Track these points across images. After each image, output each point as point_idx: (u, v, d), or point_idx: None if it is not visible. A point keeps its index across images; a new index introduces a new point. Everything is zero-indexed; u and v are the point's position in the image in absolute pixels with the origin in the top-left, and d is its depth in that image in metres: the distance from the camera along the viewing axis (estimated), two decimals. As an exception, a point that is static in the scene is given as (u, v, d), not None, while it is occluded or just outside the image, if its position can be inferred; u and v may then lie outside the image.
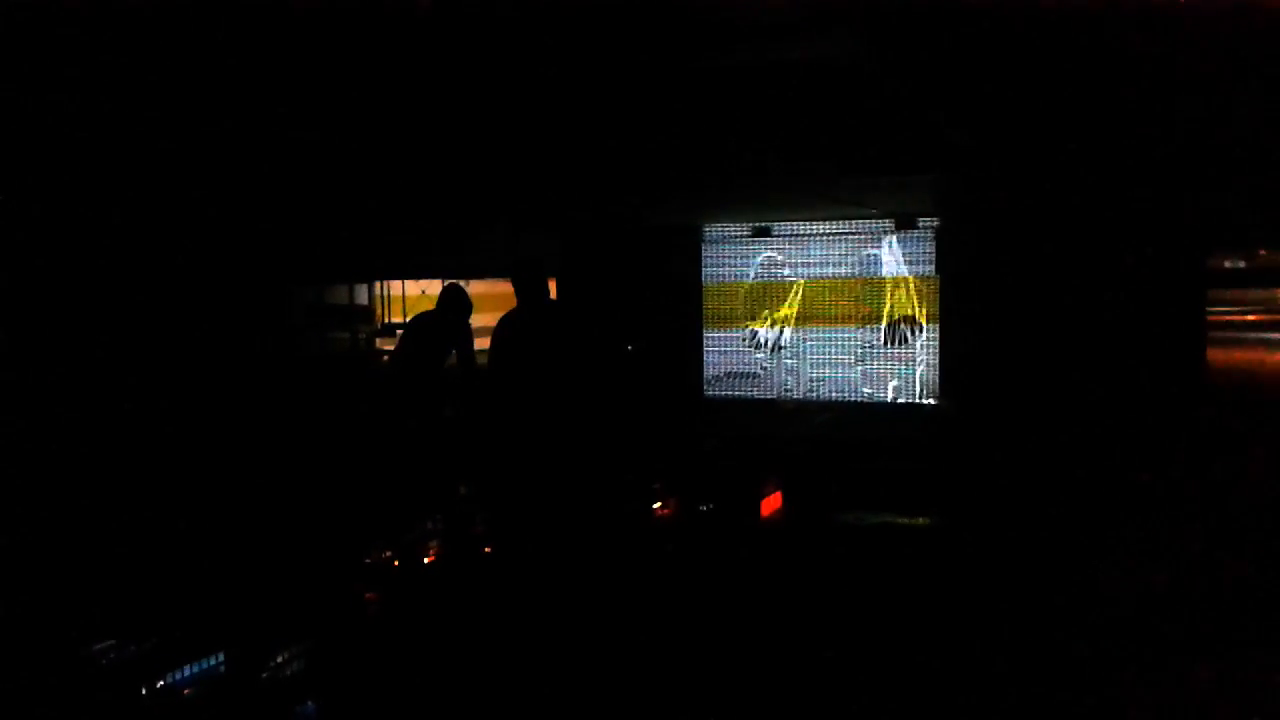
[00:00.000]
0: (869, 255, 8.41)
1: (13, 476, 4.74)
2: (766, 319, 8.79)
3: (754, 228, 8.76)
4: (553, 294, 5.93)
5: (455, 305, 6.41)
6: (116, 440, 5.24)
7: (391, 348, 8.10)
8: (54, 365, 5.00)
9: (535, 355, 5.61)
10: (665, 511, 6.88)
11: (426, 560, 5.79)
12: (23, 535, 4.57)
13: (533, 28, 2.58)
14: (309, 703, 4.12)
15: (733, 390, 8.95)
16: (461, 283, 6.61)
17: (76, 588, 4.32)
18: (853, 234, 8.44)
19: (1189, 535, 5.28)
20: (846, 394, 8.53)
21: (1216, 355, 5.73)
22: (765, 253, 8.77)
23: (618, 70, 3.07)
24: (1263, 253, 6.39)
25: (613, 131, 4.23)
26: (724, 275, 8.93)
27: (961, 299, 7.29)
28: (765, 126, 4.17)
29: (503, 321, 5.78)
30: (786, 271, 8.69)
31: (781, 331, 8.75)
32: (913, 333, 8.27)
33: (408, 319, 7.31)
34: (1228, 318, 5.91)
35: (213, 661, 4.13)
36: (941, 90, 3.56)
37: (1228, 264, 6.17)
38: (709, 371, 9.02)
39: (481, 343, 6.43)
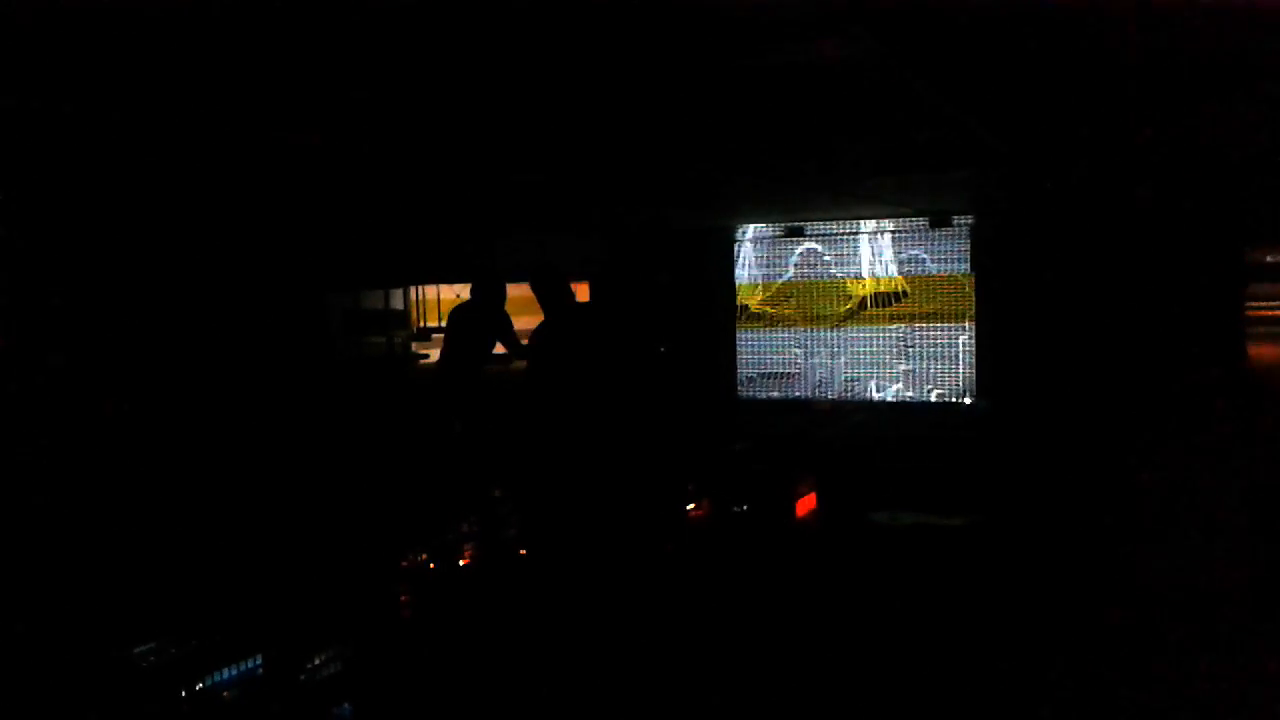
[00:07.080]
0: (902, 254, 8.36)
1: (55, 481, 4.82)
2: (800, 318, 8.76)
3: (787, 228, 8.73)
4: (579, 298, 5.92)
5: (490, 292, 6.48)
6: (157, 445, 5.32)
7: (426, 351, 8.18)
8: (94, 371, 5.09)
9: (569, 361, 5.62)
10: (699, 513, 6.87)
11: (462, 563, 5.82)
12: (64, 538, 4.65)
13: (561, 31, 2.59)
14: (346, 704, 4.16)
15: (767, 390, 8.93)
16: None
17: (117, 590, 4.39)
18: (886, 232, 8.39)
19: (1230, 531, 5.20)
20: (881, 393, 8.48)
21: (1257, 350, 5.64)
22: (798, 252, 8.74)
23: (649, 73, 3.07)
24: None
25: (644, 134, 4.23)
26: (757, 275, 8.91)
27: (997, 296, 7.23)
28: (798, 127, 4.16)
29: (536, 331, 5.79)
30: (820, 271, 8.66)
31: (815, 331, 8.71)
32: (948, 331, 8.20)
33: (443, 322, 7.36)
34: (1268, 312, 5.81)
35: (251, 664, 4.18)
36: (975, 90, 3.53)
37: (1269, 258, 6.07)
38: (743, 372, 9.00)
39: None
